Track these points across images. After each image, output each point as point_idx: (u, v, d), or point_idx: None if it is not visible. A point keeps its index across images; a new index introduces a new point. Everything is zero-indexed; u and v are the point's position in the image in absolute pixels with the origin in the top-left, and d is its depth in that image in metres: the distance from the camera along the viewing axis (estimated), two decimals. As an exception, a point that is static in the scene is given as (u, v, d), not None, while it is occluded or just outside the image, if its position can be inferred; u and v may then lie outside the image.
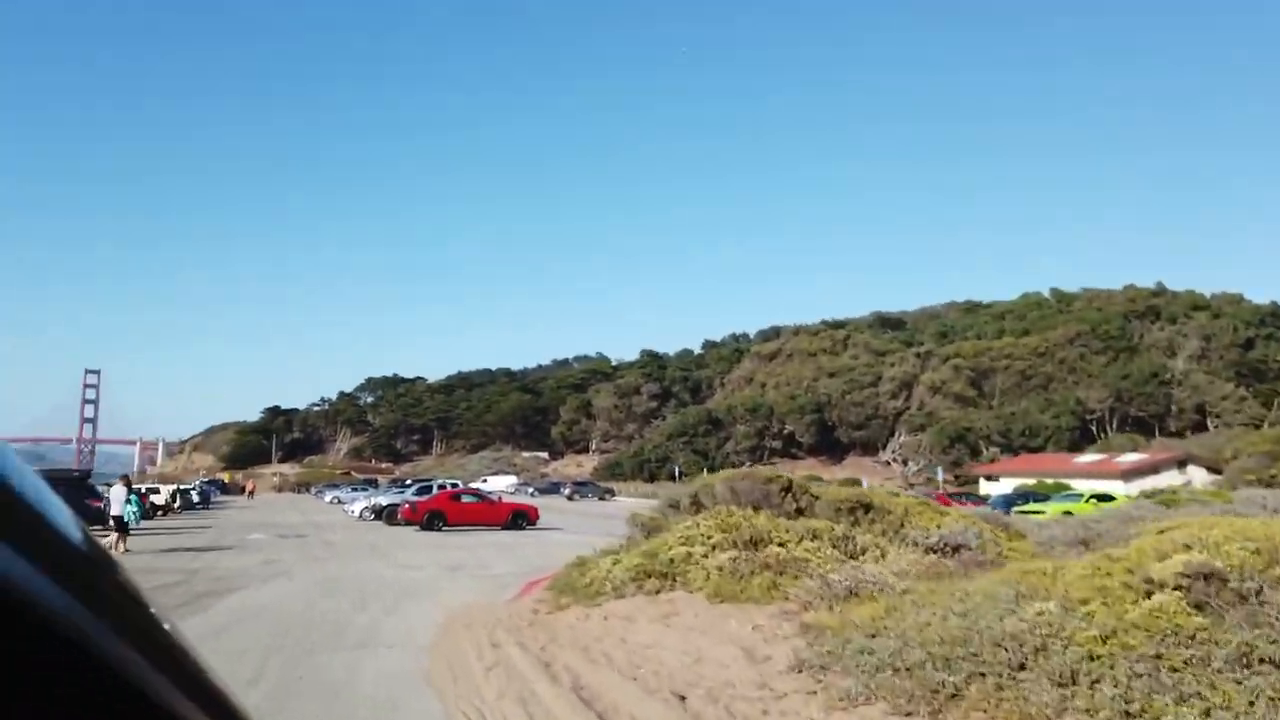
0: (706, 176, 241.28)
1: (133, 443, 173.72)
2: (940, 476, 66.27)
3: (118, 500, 22.49)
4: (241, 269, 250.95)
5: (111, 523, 22.13)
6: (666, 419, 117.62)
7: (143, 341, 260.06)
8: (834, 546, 11.18)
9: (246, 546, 24.65)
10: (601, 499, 75.29)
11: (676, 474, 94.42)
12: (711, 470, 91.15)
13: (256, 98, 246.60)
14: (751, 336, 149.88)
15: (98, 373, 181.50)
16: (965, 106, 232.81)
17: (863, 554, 11.22)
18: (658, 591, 10.46)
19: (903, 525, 12.70)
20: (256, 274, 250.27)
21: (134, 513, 22.78)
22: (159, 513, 40.39)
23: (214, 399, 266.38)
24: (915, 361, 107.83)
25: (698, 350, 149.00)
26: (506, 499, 42.63)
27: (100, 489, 33.51)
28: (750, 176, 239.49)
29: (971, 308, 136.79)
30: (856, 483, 45.85)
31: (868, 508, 13.38)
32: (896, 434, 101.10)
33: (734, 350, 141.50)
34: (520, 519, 34.11)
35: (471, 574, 17.15)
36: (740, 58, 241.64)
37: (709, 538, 11.29)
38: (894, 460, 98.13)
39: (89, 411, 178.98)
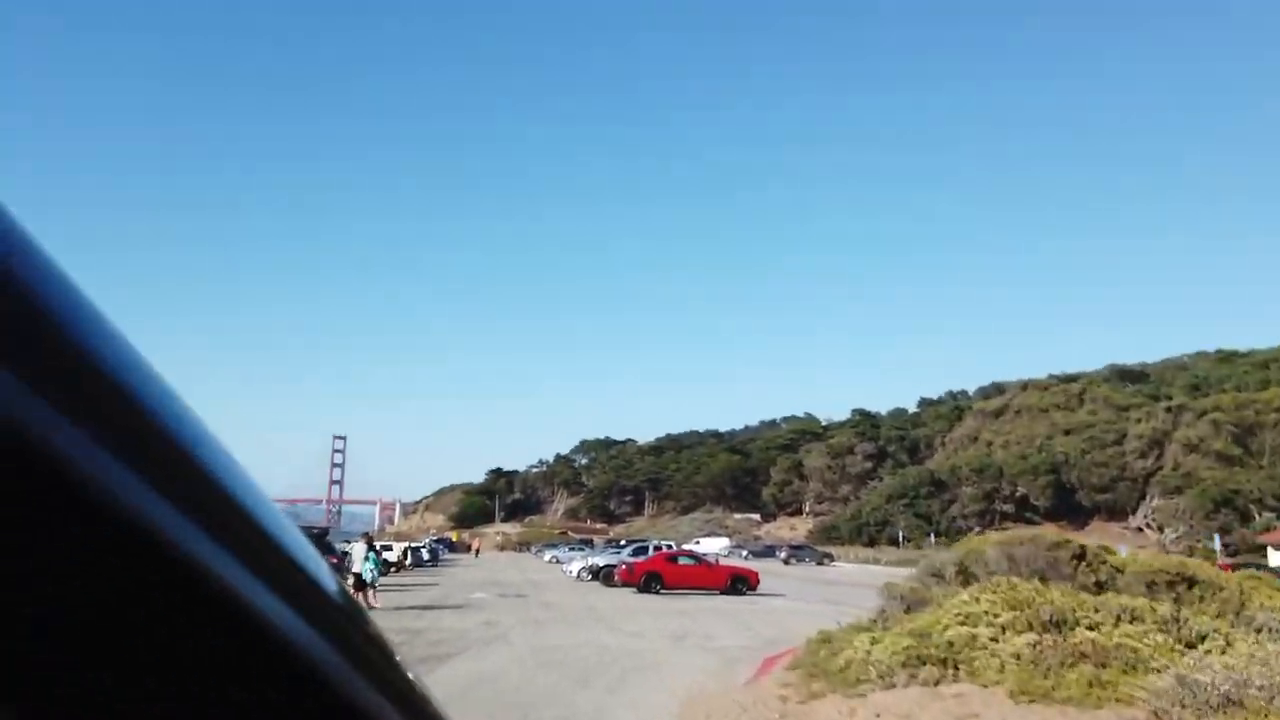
0: (907, 225, 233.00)
1: (373, 503, 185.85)
2: (1217, 545, 58.29)
3: (359, 558, 23.04)
4: (464, 338, 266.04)
5: (351, 580, 22.65)
6: (883, 480, 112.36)
7: (383, 408, 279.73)
8: (1161, 631, 8.84)
9: (469, 606, 24.37)
10: (820, 564, 71.92)
11: (899, 538, 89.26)
12: (938, 535, 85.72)
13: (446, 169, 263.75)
14: (970, 393, 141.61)
15: (344, 438, 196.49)
16: (1207, 139, 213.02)
17: (1201, 641, 8.80)
18: (937, 682, 8.54)
19: (1243, 606, 10.08)
20: (479, 342, 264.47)
21: (372, 569, 23.10)
22: (391, 569, 41.65)
23: (445, 461, 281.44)
24: (1165, 417, 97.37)
25: (912, 409, 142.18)
26: (722, 562, 41.09)
27: (339, 546, 34.96)
28: (955, 224, 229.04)
29: (1226, 357, 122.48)
30: (1109, 551, 40.60)
31: (1190, 582, 10.81)
32: (1148, 497, 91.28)
33: (953, 408, 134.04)
34: (740, 584, 32.51)
35: (698, 645, 15.63)
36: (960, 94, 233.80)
37: (995, 615, 9.25)
38: (1148, 526, 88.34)
39: (336, 474, 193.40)
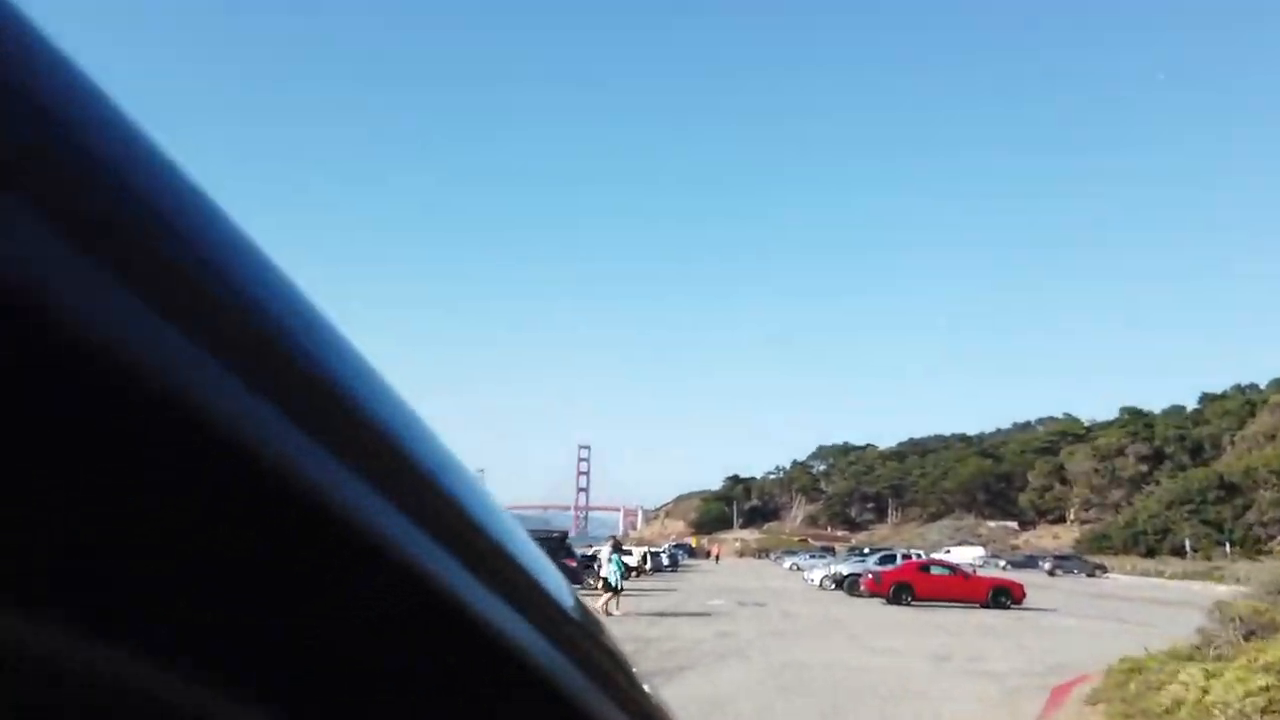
0: (1176, 206, 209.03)
1: (618, 509, 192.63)
2: None
3: (606, 561, 22.90)
4: (700, 345, 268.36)
5: (600, 584, 22.60)
6: (1161, 484, 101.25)
7: (627, 416, 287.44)
8: None
9: (705, 613, 23.34)
10: (1090, 575, 65.50)
11: (1187, 548, 79.71)
12: (1233, 545, 75.58)
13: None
14: (1262, 386, 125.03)
15: (588, 447, 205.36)
16: None
17: None
18: (1321, 738, 6.32)
19: None
20: (715, 348, 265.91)
21: (615, 573, 22.63)
22: (631, 574, 41.70)
23: (684, 468, 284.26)
24: None
25: (1191, 405, 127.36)
26: (979, 573, 37.92)
27: (580, 550, 35.35)
28: (1233, 202, 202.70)
29: None
30: None
31: None
32: None
33: (1243, 403, 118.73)
34: (1002, 596, 29.73)
35: (966, 668, 13.52)
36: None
37: (1395, 650, 6.85)
38: None
39: (582, 482, 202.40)
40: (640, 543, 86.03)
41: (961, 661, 14.25)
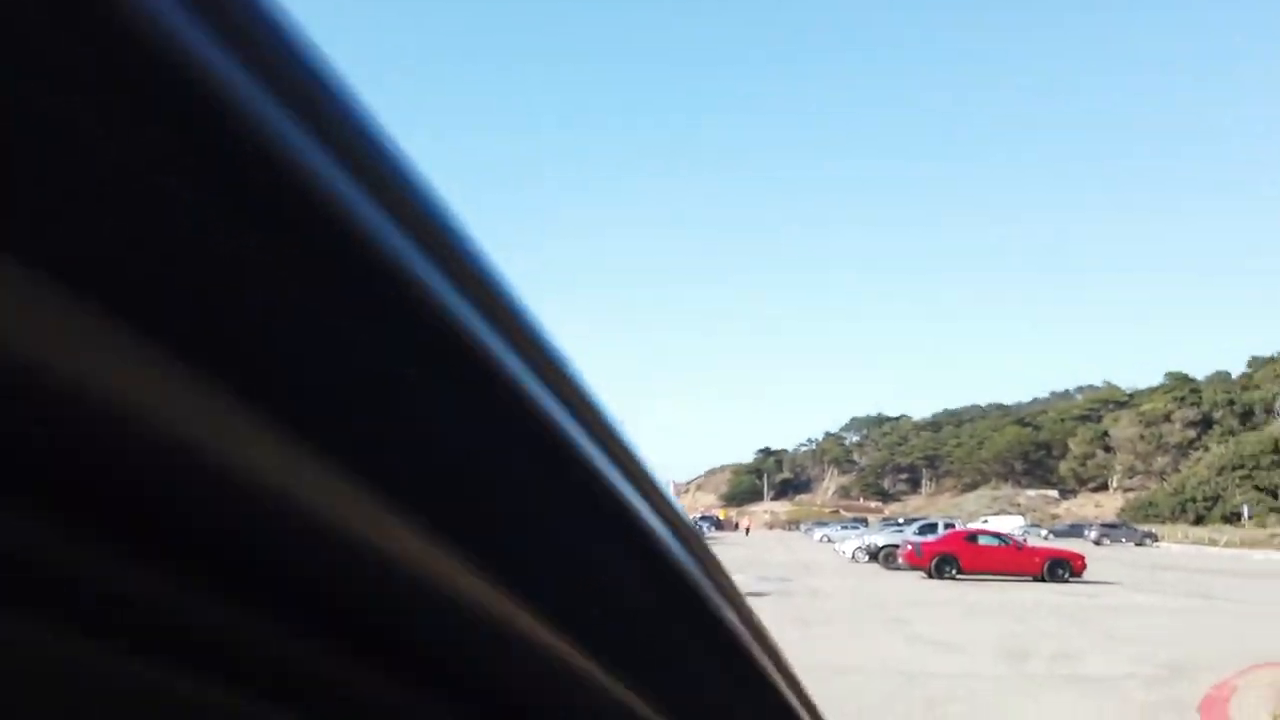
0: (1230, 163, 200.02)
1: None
2: None
3: None
4: (729, 316, 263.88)
5: None
6: (1210, 450, 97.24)
7: (655, 389, 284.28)
8: None
9: (721, 593, 20.12)
10: (1140, 544, 62.10)
11: (1238, 515, 75.61)
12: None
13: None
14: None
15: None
16: None
17: None
18: None
19: None
20: (745, 319, 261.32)
21: None
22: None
23: (716, 441, 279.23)
24: None
25: (1239, 370, 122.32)
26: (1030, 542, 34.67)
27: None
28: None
29: None
30: None
31: None
32: None
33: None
34: (1061, 569, 26.79)
35: (1059, 672, 10.07)
36: None
37: None
38: None
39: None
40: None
41: (1047, 660, 10.77)
